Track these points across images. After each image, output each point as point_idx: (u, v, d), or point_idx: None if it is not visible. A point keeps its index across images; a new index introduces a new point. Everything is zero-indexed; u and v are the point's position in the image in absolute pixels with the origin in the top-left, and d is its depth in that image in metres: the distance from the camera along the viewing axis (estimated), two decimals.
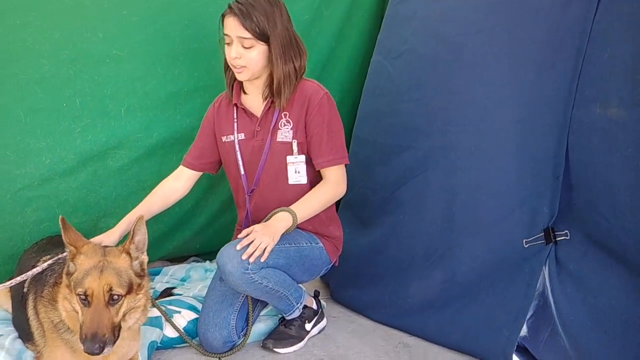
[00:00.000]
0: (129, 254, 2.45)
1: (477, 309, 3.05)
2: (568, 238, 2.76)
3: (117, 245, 2.73)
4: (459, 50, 3.13)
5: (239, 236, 2.84)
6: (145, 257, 2.53)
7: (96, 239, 2.72)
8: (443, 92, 3.20)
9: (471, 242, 3.08)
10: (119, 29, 3.33)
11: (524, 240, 2.88)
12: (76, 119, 3.32)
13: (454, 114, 3.14)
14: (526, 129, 2.87)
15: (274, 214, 2.92)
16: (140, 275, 2.47)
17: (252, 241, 2.76)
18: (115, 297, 2.31)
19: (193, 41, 3.51)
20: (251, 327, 3.06)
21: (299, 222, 2.91)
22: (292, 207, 2.93)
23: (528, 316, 2.92)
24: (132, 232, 2.45)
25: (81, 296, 2.29)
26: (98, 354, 2.21)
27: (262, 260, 2.76)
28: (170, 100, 3.54)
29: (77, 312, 2.34)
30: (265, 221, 2.92)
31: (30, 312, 2.62)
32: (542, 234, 2.83)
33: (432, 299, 3.22)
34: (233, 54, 2.87)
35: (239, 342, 3.02)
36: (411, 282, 3.32)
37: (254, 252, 2.73)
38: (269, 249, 2.77)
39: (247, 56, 2.87)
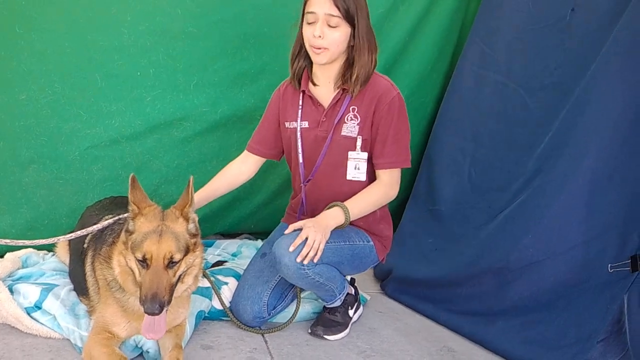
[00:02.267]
0: (186, 218, 2.52)
1: (549, 324, 3.02)
2: None
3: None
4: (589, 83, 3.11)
5: (288, 230, 2.87)
6: (196, 216, 2.60)
7: None
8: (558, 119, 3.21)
9: (556, 260, 3.03)
10: (197, 7, 3.49)
11: (610, 265, 2.82)
12: (148, 88, 3.50)
13: (559, 138, 3.15)
14: (626, 153, 2.84)
15: (328, 208, 2.95)
16: (194, 235, 2.55)
17: (306, 239, 2.77)
18: (174, 260, 2.40)
19: (265, 25, 3.63)
20: (298, 309, 3.14)
21: (350, 220, 2.92)
22: (346, 203, 2.93)
23: (599, 339, 2.84)
24: (190, 197, 2.52)
25: (139, 259, 2.38)
26: (158, 314, 2.30)
27: (315, 261, 2.78)
28: (238, 80, 3.68)
29: (132, 270, 2.44)
30: (317, 216, 2.93)
31: (88, 268, 2.75)
32: (629, 260, 2.77)
33: (505, 308, 3.20)
34: (317, 32, 2.83)
35: (271, 320, 3.11)
36: (486, 288, 3.31)
37: (308, 253, 2.75)
38: (322, 247, 2.78)
39: (330, 36, 2.84)
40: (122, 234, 2.52)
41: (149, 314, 2.31)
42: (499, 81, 3.73)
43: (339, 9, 2.81)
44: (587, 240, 2.93)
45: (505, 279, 3.19)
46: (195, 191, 2.74)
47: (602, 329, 2.80)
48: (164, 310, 2.35)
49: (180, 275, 2.46)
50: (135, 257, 2.39)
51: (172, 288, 2.40)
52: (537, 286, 3.08)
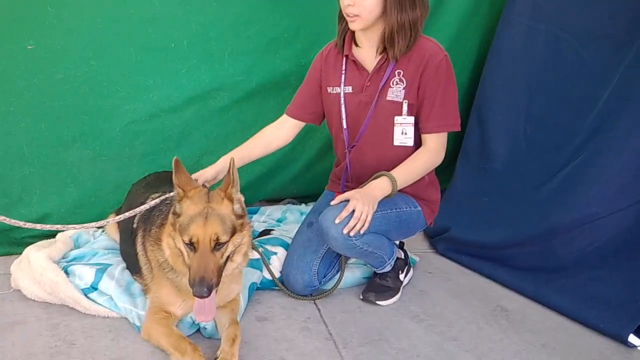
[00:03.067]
0: (230, 199, 2.51)
1: (610, 281, 3.01)
2: None
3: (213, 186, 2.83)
4: None
5: (334, 202, 2.82)
6: (242, 197, 2.58)
7: (194, 176, 2.80)
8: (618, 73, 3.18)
9: (616, 216, 3.04)
10: None
11: None
12: (183, 59, 3.48)
13: (620, 93, 3.12)
14: None
15: (374, 178, 2.89)
16: (240, 216, 2.54)
17: (353, 211, 2.74)
18: (221, 243, 2.41)
19: None
20: (342, 277, 3.14)
21: (398, 189, 2.87)
22: (393, 172, 2.87)
23: None
24: (232, 177, 2.50)
25: (187, 242, 2.40)
26: (206, 296, 2.32)
27: (362, 232, 2.76)
28: (271, 45, 3.63)
29: (181, 251, 2.46)
30: (364, 186, 2.89)
31: (139, 248, 2.78)
32: None
33: (567, 265, 3.19)
34: (347, 0, 2.79)
35: (322, 288, 3.11)
36: (548, 247, 3.29)
37: (355, 225, 2.72)
38: (369, 219, 2.74)
39: (361, 4, 2.75)
40: (170, 216, 2.54)
41: (197, 296, 2.34)
42: (551, 32, 3.64)
43: None
44: None
45: (567, 236, 3.19)
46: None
47: None
48: (213, 292, 2.37)
49: (229, 256, 2.48)
50: (182, 240, 2.41)
51: (220, 270, 2.42)
52: (600, 242, 3.08)
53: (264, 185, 4.00)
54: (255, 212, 3.94)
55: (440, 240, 3.79)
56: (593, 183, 3.12)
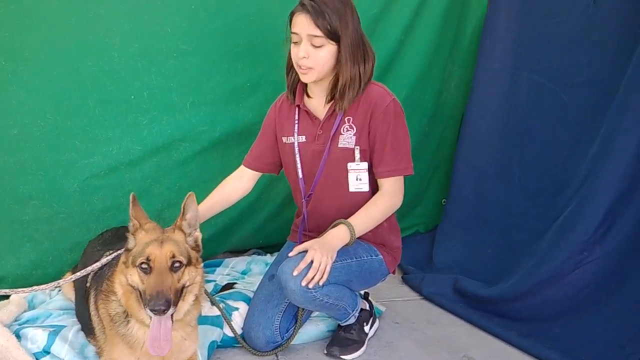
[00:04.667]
0: (181, 230, 2.51)
1: (601, 324, 3.04)
2: None
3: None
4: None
5: (292, 253, 2.78)
6: (199, 234, 2.59)
7: None
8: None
9: (605, 260, 3.09)
10: (186, 23, 3.41)
11: None
12: (143, 111, 3.42)
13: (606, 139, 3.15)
14: None
15: (332, 227, 2.85)
16: (196, 250, 2.54)
17: (311, 262, 2.68)
18: (177, 263, 2.37)
19: (257, 36, 3.55)
20: (298, 329, 3.05)
21: (356, 237, 2.83)
22: (351, 220, 2.84)
23: None
24: (182, 210, 2.51)
25: (142, 265, 2.35)
26: (164, 310, 2.25)
27: (321, 283, 2.69)
28: (234, 95, 3.60)
29: (133, 287, 2.39)
30: (323, 235, 2.84)
31: (92, 307, 2.70)
32: None
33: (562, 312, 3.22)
34: (301, 53, 2.79)
35: (284, 343, 3.01)
36: (521, 287, 3.33)
37: (313, 276, 2.66)
38: (328, 269, 2.69)
39: (315, 56, 2.79)
40: (122, 255, 2.50)
41: (155, 311, 2.26)
42: (533, 79, 3.74)
43: (319, 28, 2.74)
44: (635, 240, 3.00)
45: (560, 283, 3.20)
46: None
47: None
48: (170, 311, 2.30)
49: (184, 285, 2.42)
50: (137, 266, 2.36)
51: (178, 293, 2.37)
52: (591, 287, 3.11)
53: (228, 237, 3.93)
54: (219, 265, 3.87)
55: (426, 283, 3.77)
56: (580, 228, 3.13)
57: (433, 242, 4.37)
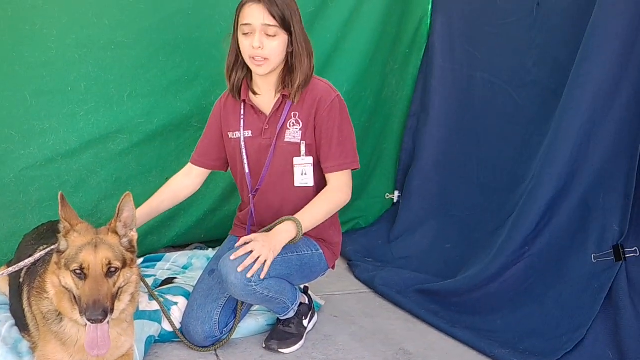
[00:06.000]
0: (115, 232, 2.45)
1: (540, 315, 3.12)
2: (638, 255, 2.77)
3: None
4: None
5: (238, 244, 2.80)
6: (134, 234, 2.52)
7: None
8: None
9: (544, 253, 3.19)
10: (124, 15, 3.41)
11: (593, 255, 2.91)
12: (80, 102, 3.41)
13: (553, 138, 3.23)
14: (600, 146, 2.96)
15: (279, 222, 2.86)
16: (130, 251, 2.48)
17: (251, 252, 2.71)
18: (113, 269, 2.33)
19: (195, 30, 3.57)
20: (238, 323, 3.04)
21: (303, 233, 2.84)
22: (298, 216, 2.86)
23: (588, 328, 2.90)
24: (117, 211, 2.45)
25: (77, 271, 2.30)
26: (102, 320, 2.22)
27: (262, 276, 2.71)
28: (171, 88, 3.61)
29: (67, 288, 2.35)
30: (270, 230, 2.87)
31: (25, 303, 2.64)
32: (612, 250, 2.84)
33: (495, 302, 3.30)
34: (256, 42, 2.77)
35: (224, 338, 3.00)
36: (471, 281, 3.41)
37: (252, 265, 2.68)
38: (268, 264, 2.71)
39: (269, 46, 2.79)
40: (54, 256, 2.44)
41: (92, 320, 2.23)
42: (486, 79, 3.86)
43: (274, 17, 2.76)
44: (572, 232, 3.08)
45: (503, 277, 3.31)
46: (137, 207, 2.64)
47: (590, 319, 2.84)
48: (107, 319, 2.27)
49: (120, 288, 2.39)
50: (71, 271, 2.31)
51: (114, 298, 2.34)
52: (531, 280, 3.21)
53: (167, 230, 3.92)
54: (160, 259, 3.82)
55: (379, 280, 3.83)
56: (523, 224, 3.24)
57: (376, 235, 4.49)
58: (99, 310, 2.22)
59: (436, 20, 4.37)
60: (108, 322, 2.33)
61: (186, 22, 3.53)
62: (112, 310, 2.31)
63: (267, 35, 2.78)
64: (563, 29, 3.34)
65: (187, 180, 3.17)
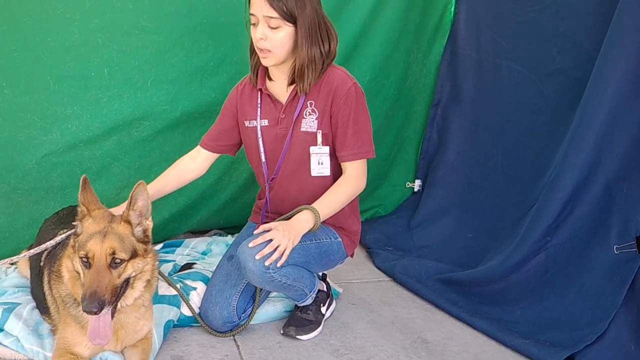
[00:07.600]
0: (128, 221, 2.44)
1: (561, 307, 3.12)
2: None
3: None
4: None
5: (257, 231, 2.78)
6: (149, 223, 2.52)
7: (111, 210, 2.68)
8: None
9: (566, 243, 3.17)
10: (148, 0, 3.36)
11: (615, 247, 2.89)
12: (103, 88, 3.38)
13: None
14: (624, 136, 2.93)
15: (297, 211, 2.84)
16: (144, 242, 2.48)
17: (270, 240, 2.70)
18: (118, 260, 2.33)
19: (221, 15, 3.52)
20: (256, 309, 3.05)
21: (321, 221, 2.83)
22: (315, 204, 2.85)
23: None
24: (130, 199, 2.45)
25: (83, 259, 2.32)
26: (96, 312, 2.22)
27: (279, 265, 2.70)
28: (196, 74, 3.57)
29: (79, 273, 2.37)
30: (287, 218, 2.86)
31: (46, 286, 2.67)
32: (634, 242, 2.82)
33: (516, 293, 3.30)
34: (258, 34, 2.76)
35: (243, 323, 3.01)
36: (492, 271, 3.42)
37: (270, 254, 2.67)
38: (287, 253, 2.70)
39: (272, 38, 2.76)
40: (71, 239, 2.46)
41: (87, 312, 2.24)
42: (512, 67, 3.82)
43: (275, 9, 2.71)
44: (595, 224, 3.06)
45: (525, 267, 3.31)
46: None
47: (612, 311, 2.83)
48: (107, 313, 2.30)
49: (128, 278, 2.40)
50: (79, 257, 2.33)
51: (116, 290, 2.33)
52: (552, 270, 3.20)
53: (189, 217, 3.92)
54: (179, 245, 3.84)
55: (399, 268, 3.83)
56: (545, 214, 3.22)
57: (396, 224, 4.49)
58: (93, 303, 2.22)
59: (461, 8, 4.34)
60: (112, 313, 2.35)
61: (211, 6, 3.48)
62: (111, 302, 2.31)
63: (270, 27, 2.75)
64: (587, 17, 3.30)
65: (194, 163, 3.16)
